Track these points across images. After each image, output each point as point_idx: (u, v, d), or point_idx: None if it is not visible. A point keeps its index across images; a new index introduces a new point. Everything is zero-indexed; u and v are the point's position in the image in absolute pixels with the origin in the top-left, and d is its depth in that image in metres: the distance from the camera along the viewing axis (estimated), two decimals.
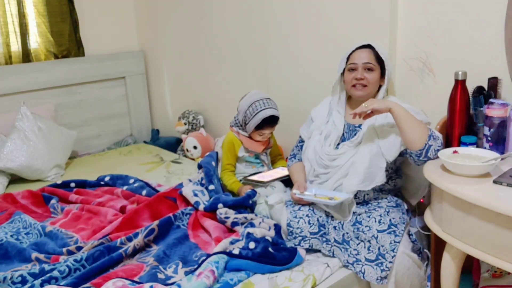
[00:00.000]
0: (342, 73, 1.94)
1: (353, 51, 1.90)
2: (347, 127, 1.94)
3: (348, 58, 1.90)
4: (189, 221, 2.03)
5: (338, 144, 1.91)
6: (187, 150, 3.11)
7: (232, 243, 1.83)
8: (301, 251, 1.78)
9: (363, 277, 1.68)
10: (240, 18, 2.80)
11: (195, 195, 2.11)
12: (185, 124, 3.23)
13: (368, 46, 1.89)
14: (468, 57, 1.87)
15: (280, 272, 1.69)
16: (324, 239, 1.82)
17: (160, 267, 1.75)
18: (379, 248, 1.68)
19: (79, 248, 1.88)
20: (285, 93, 2.58)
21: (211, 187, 2.18)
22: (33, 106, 2.99)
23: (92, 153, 3.41)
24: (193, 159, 3.08)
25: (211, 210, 2.03)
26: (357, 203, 1.85)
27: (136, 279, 1.67)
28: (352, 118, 1.80)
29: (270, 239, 1.83)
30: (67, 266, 1.71)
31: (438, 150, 1.66)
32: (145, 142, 3.59)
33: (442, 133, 1.78)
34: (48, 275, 1.67)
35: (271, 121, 2.25)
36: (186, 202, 2.14)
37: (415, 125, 1.67)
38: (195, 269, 1.65)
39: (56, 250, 1.89)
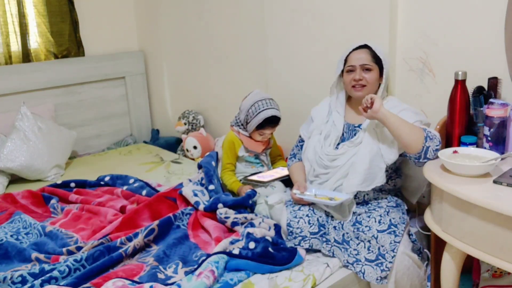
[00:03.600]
0: (341, 74, 1.94)
1: (350, 52, 1.90)
2: (346, 127, 1.94)
3: (346, 60, 1.91)
4: (189, 221, 2.03)
5: (338, 144, 1.91)
6: (187, 150, 3.11)
7: (232, 243, 1.83)
8: (301, 251, 1.78)
9: (363, 277, 1.68)
10: (239, 18, 2.80)
11: (195, 195, 2.11)
12: (185, 124, 3.23)
13: (365, 46, 1.89)
14: (468, 57, 1.87)
15: (280, 272, 1.69)
16: (324, 239, 1.82)
17: (160, 267, 1.74)
18: (379, 248, 1.68)
19: (79, 248, 1.88)
20: (285, 93, 2.58)
21: (211, 187, 2.18)
22: (33, 106, 2.99)
23: (92, 153, 3.41)
24: (193, 159, 3.08)
25: (211, 210, 2.03)
26: (357, 203, 1.86)
27: (136, 279, 1.67)
28: (360, 113, 1.77)
29: (270, 239, 1.83)
30: (67, 266, 1.71)
31: (437, 150, 1.66)
32: (145, 142, 3.58)
33: (442, 133, 1.78)
34: (48, 275, 1.67)
35: (272, 122, 2.25)
36: (186, 202, 2.14)
37: (409, 129, 1.67)
38: (195, 269, 1.65)
39: (56, 250, 1.89)
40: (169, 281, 1.66)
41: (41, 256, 1.84)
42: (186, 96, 3.43)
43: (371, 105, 1.70)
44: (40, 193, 2.48)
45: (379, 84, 1.90)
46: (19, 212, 2.26)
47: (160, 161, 3.06)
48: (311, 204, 1.89)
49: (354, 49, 1.90)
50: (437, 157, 1.64)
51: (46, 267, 1.73)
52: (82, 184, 2.60)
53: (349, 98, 2.00)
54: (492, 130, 1.66)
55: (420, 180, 1.93)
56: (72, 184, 2.57)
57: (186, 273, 1.70)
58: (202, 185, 2.23)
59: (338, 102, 1.98)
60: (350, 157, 1.83)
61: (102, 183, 2.61)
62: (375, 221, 1.74)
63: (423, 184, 1.93)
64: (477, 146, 1.71)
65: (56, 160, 2.86)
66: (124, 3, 3.58)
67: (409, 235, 1.81)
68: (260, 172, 2.34)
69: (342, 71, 1.92)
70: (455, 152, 1.63)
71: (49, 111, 3.12)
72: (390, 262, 1.66)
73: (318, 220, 1.83)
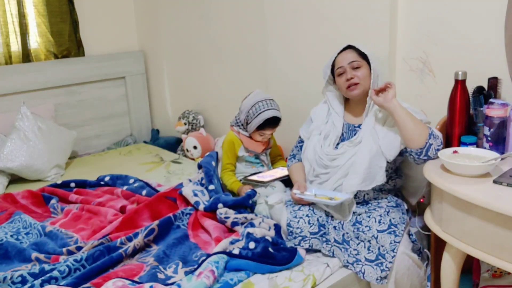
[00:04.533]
0: (334, 81, 1.94)
1: (336, 57, 1.90)
2: (346, 127, 1.94)
3: (333, 66, 1.91)
4: (189, 221, 2.03)
5: (338, 144, 1.91)
6: (187, 150, 3.11)
7: (232, 243, 1.83)
8: (301, 251, 1.78)
9: (363, 277, 1.68)
10: (240, 18, 2.80)
11: (195, 195, 2.11)
12: (185, 124, 3.23)
13: (349, 47, 1.89)
14: (468, 57, 1.87)
15: (280, 272, 1.69)
16: (324, 239, 1.82)
17: (160, 267, 1.74)
18: (379, 248, 1.68)
19: (79, 248, 1.88)
20: (285, 93, 2.58)
21: (211, 187, 2.18)
22: (33, 106, 2.99)
23: (92, 153, 3.41)
24: (193, 159, 3.08)
25: (211, 210, 2.03)
26: (357, 203, 1.85)
27: (136, 279, 1.67)
28: (358, 114, 1.87)
29: (270, 239, 1.83)
30: (67, 266, 1.71)
31: (438, 150, 1.67)
32: (145, 142, 3.58)
33: (442, 133, 1.78)
34: (48, 275, 1.67)
35: (273, 122, 2.25)
36: (186, 202, 2.14)
37: (415, 124, 1.68)
38: (195, 269, 1.65)
39: (56, 250, 1.89)
40: (169, 281, 1.66)
41: (41, 256, 1.84)
42: (186, 96, 3.43)
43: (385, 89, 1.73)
44: (40, 193, 2.48)
45: None
46: (19, 212, 2.26)
47: (160, 161, 3.06)
48: (311, 204, 1.89)
49: (338, 53, 1.90)
50: (437, 156, 1.64)
51: (46, 267, 1.73)
52: (82, 184, 2.60)
53: (347, 100, 2.00)
54: (492, 130, 1.66)
55: (420, 180, 1.93)
56: (72, 184, 2.58)
57: (186, 273, 1.70)
58: (202, 185, 2.23)
59: (336, 103, 1.98)
60: (350, 157, 1.83)
61: (102, 183, 2.61)
62: (375, 221, 1.74)
63: (423, 184, 1.93)
64: (477, 146, 1.71)
65: (56, 160, 2.86)
66: (124, 3, 3.58)
67: (409, 235, 1.81)
68: (260, 172, 2.34)
69: (334, 79, 1.92)
70: (455, 152, 1.63)
71: (49, 111, 3.11)
72: (390, 262, 1.66)
73: (318, 220, 1.83)
